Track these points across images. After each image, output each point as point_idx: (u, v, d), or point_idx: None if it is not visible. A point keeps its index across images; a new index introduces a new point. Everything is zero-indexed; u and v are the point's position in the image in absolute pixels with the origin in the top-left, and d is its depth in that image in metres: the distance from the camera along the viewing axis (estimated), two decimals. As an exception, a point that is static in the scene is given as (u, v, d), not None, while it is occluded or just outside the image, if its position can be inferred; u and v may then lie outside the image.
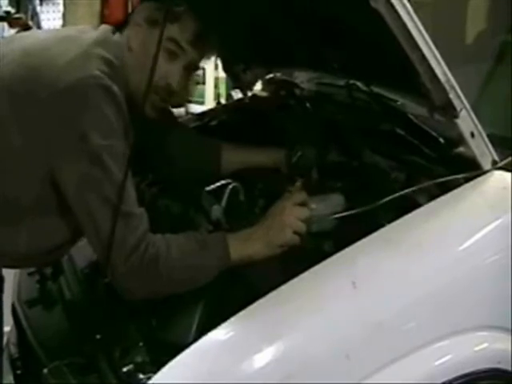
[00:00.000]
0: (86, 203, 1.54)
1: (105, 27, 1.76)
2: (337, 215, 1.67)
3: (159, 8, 1.65)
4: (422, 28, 1.46)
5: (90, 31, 1.73)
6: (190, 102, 5.43)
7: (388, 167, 1.85)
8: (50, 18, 6.86)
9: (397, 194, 1.60)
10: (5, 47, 1.73)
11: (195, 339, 1.42)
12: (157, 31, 1.51)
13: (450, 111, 1.55)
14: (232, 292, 1.57)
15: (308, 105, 2.37)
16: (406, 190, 1.61)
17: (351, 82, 2.09)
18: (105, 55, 1.63)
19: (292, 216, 1.63)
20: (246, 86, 2.53)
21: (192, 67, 1.78)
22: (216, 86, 6.14)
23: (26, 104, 1.59)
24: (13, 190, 1.61)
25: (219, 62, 2.69)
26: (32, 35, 1.92)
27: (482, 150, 1.59)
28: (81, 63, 1.59)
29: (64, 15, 5.91)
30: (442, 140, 1.75)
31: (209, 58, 1.87)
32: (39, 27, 6.45)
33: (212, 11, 1.76)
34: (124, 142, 1.57)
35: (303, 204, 1.67)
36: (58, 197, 1.59)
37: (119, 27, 1.75)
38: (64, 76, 1.56)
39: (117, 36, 1.73)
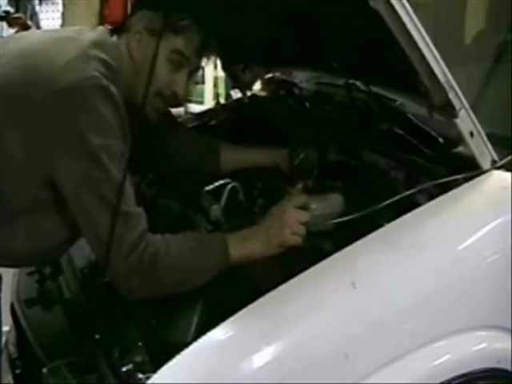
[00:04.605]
0: (84, 203, 1.53)
1: (102, 29, 1.76)
2: (336, 220, 1.67)
3: (160, 18, 1.65)
4: (421, 28, 1.46)
5: (87, 32, 1.73)
6: (190, 101, 5.43)
7: (387, 167, 1.85)
8: (49, 18, 6.88)
9: (398, 197, 1.60)
10: (1, 48, 1.73)
11: (194, 339, 1.42)
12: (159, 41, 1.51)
13: (449, 111, 1.55)
14: (231, 292, 1.57)
15: (307, 104, 2.38)
16: (407, 193, 1.62)
17: (350, 81, 2.09)
18: (102, 57, 1.63)
19: (292, 218, 1.63)
20: (245, 86, 2.53)
21: (194, 72, 1.81)
22: (215, 86, 6.14)
23: (24, 105, 1.58)
24: (11, 190, 1.61)
25: (218, 62, 2.68)
26: (29, 36, 1.92)
27: (482, 149, 1.59)
28: (78, 64, 1.59)
29: (63, 15, 5.90)
30: (441, 140, 1.75)
31: (209, 60, 1.88)
32: (38, 27, 6.47)
33: (211, 14, 1.76)
34: (122, 141, 1.57)
35: (304, 207, 1.67)
36: (55, 197, 1.59)
37: (116, 29, 1.76)
38: (62, 77, 1.56)
39: (114, 38, 1.73)
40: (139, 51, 1.71)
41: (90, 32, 1.73)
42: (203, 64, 1.88)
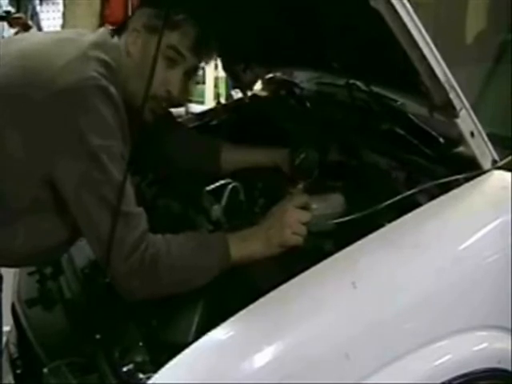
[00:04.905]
0: (84, 203, 1.54)
1: (103, 30, 1.76)
2: (337, 220, 1.67)
3: (158, 15, 1.65)
4: (421, 27, 1.46)
5: (88, 34, 1.73)
6: (190, 101, 5.44)
7: (388, 167, 1.85)
8: (50, 18, 6.88)
9: (399, 197, 1.60)
10: (2, 49, 1.73)
11: (195, 339, 1.42)
12: (155, 38, 1.51)
13: (449, 111, 1.55)
14: (232, 292, 1.57)
15: (308, 104, 2.38)
16: (408, 193, 1.62)
17: (351, 81, 2.09)
18: (102, 57, 1.63)
19: (293, 218, 1.63)
20: (245, 86, 2.53)
21: (192, 72, 1.79)
22: (216, 86, 6.15)
23: (24, 105, 1.59)
24: (11, 190, 1.61)
25: (219, 62, 2.69)
26: (30, 37, 1.92)
27: (482, 149, 1.59)
28: (78, 65, 1.59)
29: (64, 15, 5.91)
30: (441, 140, 1.75)
31: (208, 62, 1.87)
32: (39, 27, 6.46)
33: (212, 13, 1.76)
34: (122, 142, 1.57)
35: (304, 207, 1.67)
36: (56, 197, 1.59)
37: (118, 30, 1.76)
38: (61, 78, 1.56)
39: (115, 39, 1.73)
40: (136, 49, 1.70)
41: (91, 34, 1.73)
42: (202, 65, 1.87)
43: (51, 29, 6.52)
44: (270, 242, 1.62)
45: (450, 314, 1.50)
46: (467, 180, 1.60)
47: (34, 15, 6.68)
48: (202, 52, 1.77)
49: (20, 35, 2.28)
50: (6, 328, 1.95)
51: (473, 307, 1.53)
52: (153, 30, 1.67)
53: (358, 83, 2.06)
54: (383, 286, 1.46)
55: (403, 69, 1.55)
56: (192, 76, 1.81)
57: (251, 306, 1.42)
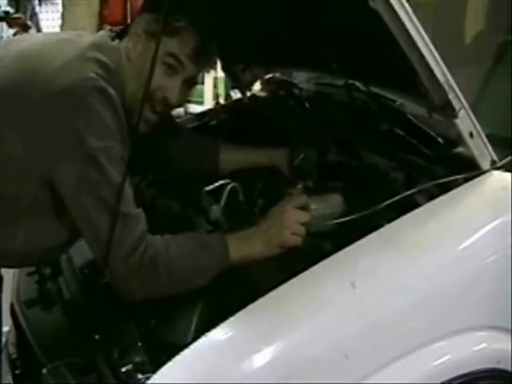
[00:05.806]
0: (84, 205, 1.54)
1: (103, 32, 1.77)
2: (336, 220, 1.67)
3: (158, 20, 1.64)
4: (420, 28, 1.46)
5: (88, 35, 1.73)
6: (189, 101, 5.43)
7: (387, 167, 1.85)
8: (49, 18, 6.88)
9: (398, 197, 1.60)
10: (2, 50, 1.73)
11: (194, 339, 1.42)
12: (154, 43, 1.50)
13: (448, 111, 1.55)
14: (231, 292, 1.57)
15: (307, 105, 2.38)
16: (407, 193, 1.62)
17: (350, 82, 2.09)
18: (101, 58, 1.63)
19: (292, 219, 1.63)
20: (244, 86, 2.53)
21: (191, 80, 1.78)
22: (215, 86, 6.14)
23: (23, 105, 1.59)
24: (11, 190, 1.61)
25: (218, 62, 2.68)
26: (29, 38, 1.93)
27: (481, 150, 1.59)
28: (76, 66, 1.59)
29: (63, 15, 5.91)
30: (440, 140, 1.75)
31: (209, 71, 1.86)
32: (38, 27, 6.46)
33: (211, 13, 1.76)
34: (120, 143, 1.57)
35: (304, 208, 1.67)
36: (55, 198, 1.59)
37: (120, 34, 1.75)
38: (59, 78, 1.56)
39: (116, 42, 1.73)
40: (136, 53, 1.70)
41: (91, 35, 1.74)
42: (202, 72, 1.85)
43: (50, 29, 6.53)
44: (269, 242, 1.62)
45: (449, 315, 1.50)
46: (466, 180, 1.60)
47: (33, 15, 6.68)
48: (202, 60, 1.76)
49: (19, 36, 2.28)
50: (5, 328, 1.95)
51: (472, 307, 1.53)
52: (152, 36, 1.66)
53: (357, 84, 2.06)
54: (383, 286, 1.46)
55: (402, 69, 1.55)
56: (191, 84, 1.80)
57: (250, 306, 1.42)
